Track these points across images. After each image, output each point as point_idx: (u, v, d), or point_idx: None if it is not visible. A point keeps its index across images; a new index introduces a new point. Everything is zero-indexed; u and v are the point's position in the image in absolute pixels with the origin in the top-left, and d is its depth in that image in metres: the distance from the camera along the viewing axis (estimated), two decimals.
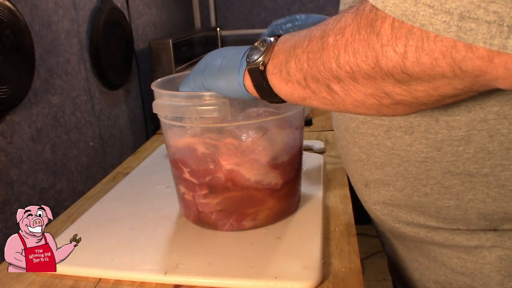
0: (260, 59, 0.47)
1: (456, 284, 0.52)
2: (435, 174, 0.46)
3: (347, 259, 0.58)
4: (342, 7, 0.52)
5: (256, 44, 0.48)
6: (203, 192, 0.63)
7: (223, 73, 0.52)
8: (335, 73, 0.39)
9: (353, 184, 0.59)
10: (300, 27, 0.60)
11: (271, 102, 0.50)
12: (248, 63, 0.48)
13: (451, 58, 0.32)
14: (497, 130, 0.42)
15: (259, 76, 0.48)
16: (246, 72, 0.49)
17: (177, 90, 0.63)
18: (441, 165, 0.45)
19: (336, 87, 0.40)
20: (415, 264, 0.57)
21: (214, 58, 0.54)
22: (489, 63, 0.31)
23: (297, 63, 0.43)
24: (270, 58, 0.47)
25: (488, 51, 0.30)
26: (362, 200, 0.57)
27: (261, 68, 0.47)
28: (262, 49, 0.47)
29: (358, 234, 0.64)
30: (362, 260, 0.59)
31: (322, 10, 2.16)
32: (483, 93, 0.39)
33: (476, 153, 0.43)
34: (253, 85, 0.49)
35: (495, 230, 0.47)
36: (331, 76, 0.40)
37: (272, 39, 0.48)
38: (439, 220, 0.49)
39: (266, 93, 0.49)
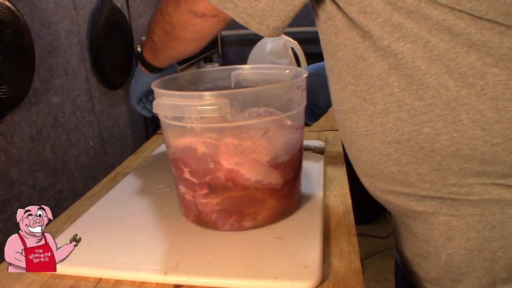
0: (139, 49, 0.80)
1: (420, 251, 0.60)
2: (376, 145, 0.55)
3: (347, 259, 0.58)
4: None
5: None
6: (203, 192, 0.63)
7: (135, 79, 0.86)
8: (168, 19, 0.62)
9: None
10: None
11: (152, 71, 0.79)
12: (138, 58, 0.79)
13: None
14: (402, 101, 0.51)
15: (144, 62, 0.78)
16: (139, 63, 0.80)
17: (178, 90, 0.63)
18: (377, 136, 0.54)
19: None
20: (403, 239, 0.65)
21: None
22: None
23: (157, 38, 0.69)
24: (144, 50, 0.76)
25: None
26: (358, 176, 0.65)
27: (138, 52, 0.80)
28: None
29: (358, 234, 0.64)
30: (362, 260, 0.59)
31: None
32: (385, 73, 0.51)
33: (395, 122, 0.52)
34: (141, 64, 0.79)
35: (440, 198, 0.54)
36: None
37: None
38: (399, 185, 0.57)
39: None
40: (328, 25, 0.55)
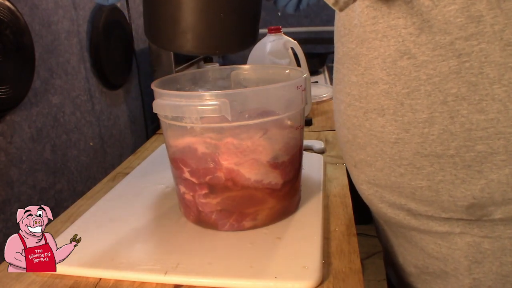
0: None
1: (432, 268, 0.54)
2: (406, 155, 0.48)
3: (347, 259, 0.58)
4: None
5: None
6: (203, 191, 0.63)
7: None
8: None
9: (347, 166, 0.61)
10: None
11: None
12: None
13: None
14: (457, 112, 0.43)
15: None
16: None
17: (178, 90, 0.63)
18: (411, 146, 0.47)
19: None
20: (400, 249, 0.59)
21: None
22: None
23: None
24: None
25: None
26: (353, 181, 0.60)
27: None
28: None
29: (358, 234, 0.64)
30: (362, 260, 0.59)
31: (323, 9, 2.16)
32: (440, 77, 0.43)
33: (440, 135, 0.45)
34: None
35: (466, 220, 0.48)
36: None
37: None
38: (416, 202, 0.50)
39: None
40: (365, 6, 0.46)
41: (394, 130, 0.48)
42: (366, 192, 0.57)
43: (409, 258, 0.58)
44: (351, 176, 0.60)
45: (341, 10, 0.43)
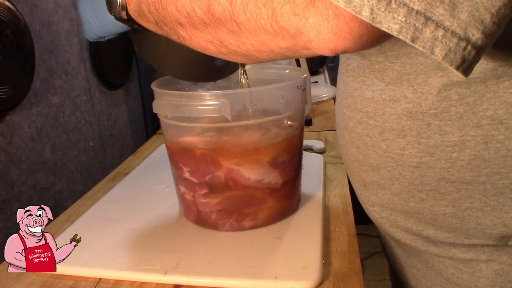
0: (118, 7, 0.47)
1: None
2: (429, 180, 0.44)
3: (347, 259, 0.58)
4: None
5: None
6: (203, 191, 0.63)
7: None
8: (176, 18, 0.40)
9: (352, 184, 0.59)
10: None
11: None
12: (110, 11, 0.48)
13: (271, 8, 0.32)
14: (492, 136, 0.40)
15: (128, 23, 0.48)
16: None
17: (178, 90, 0.63)
18: (435, 171, 0.43)
19: (181, 32, 0.41)
20: (413, 270, 0.55)
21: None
22: (305, 21, 0.31)
23: (147, 6, 0.44)
24: (127, 3, 0.46)
25: (305, 8, 0.31)
26: (360, 201, 0.57)
27: (124, 17, 0.47)
28: None
29: (358, 234, 0.64)
30: (362, 260, 0.59)
31: None
32: (475, 97, 0.39)
33: (471, 161, 0.41)
34: (129, 28, 0.51)
35: (496, 245, 0.44)
36: (174, 21, 0.41)
37: None
38: (436, 228, 0.47)
39: (142, 28, 0.49)
40: None
41: (416, 153, 0.44)
42: (378, 215, 0.53)
43: (423, 281, 0.53)
44: (358, 196, 0.57)
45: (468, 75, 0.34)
